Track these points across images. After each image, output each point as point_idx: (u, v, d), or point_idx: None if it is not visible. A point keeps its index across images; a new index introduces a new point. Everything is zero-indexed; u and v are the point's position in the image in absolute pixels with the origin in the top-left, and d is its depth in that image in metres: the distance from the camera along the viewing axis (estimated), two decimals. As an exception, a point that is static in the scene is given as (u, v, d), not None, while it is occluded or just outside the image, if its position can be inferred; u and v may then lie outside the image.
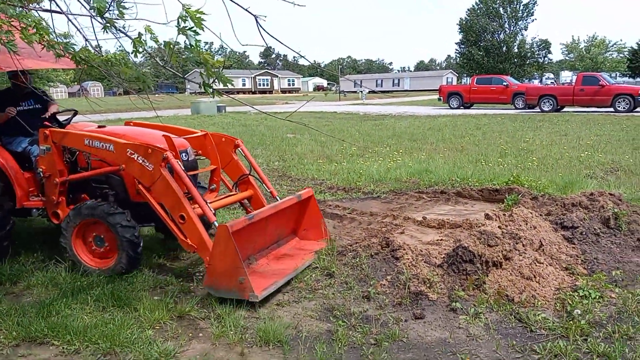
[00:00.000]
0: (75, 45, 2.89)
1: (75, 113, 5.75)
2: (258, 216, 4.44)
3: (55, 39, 3.08)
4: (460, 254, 4.20)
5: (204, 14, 2.47)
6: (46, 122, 5.41)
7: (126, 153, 4.39)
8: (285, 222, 5.11)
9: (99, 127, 5.21)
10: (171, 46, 2.57)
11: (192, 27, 2.49)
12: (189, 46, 2.50)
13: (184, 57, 2.86)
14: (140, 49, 2.60)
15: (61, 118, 5.79)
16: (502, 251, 4.22)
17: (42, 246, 5.35)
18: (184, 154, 4.78)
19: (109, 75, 2.94)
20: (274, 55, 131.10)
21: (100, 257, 4.70)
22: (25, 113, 5.41)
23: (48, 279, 4.49)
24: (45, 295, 4.23)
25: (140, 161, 4.32)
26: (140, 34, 2.64)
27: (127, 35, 2.61)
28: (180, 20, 2.47)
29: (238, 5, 2.56)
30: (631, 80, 61.09)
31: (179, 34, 2.47)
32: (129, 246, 4.46)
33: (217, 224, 4.13)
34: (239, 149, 5.41)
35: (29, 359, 3.29)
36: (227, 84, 2.80)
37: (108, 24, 2.69)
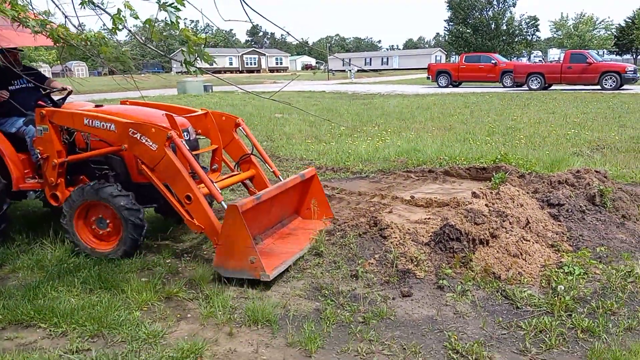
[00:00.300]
0: (53, 23, 2.79)
1: (70, 92, 5.59)
2: (265, 196, 4.40)
3: (33, 16, 2.99)
4: (447, 232, 4.22)
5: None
6: (40, 102, 5.27)
7: (128, 132, 4.28)
8: (289, 201, 5.07)
9: (96, 106, 5.06)
10: (152, 23, 2.49)
11: (173, 3, 2.43)
12: (170, 22, 2.43)
13: (165, 34, 2.79)
14: (120, 26, 2.53)
15: (55, 97, 5.68)
16: (488, 229, 4.25)
17: (28, 229, 5.29)
18: (185, 133, 4.71)
19: (89, 54, 2.86)
20: (261, 34, 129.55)
21: (102, 239, 4.64)
22: (18, 92, 5.24)
23: (34, 262, 4.45)
24: (32, 278, 4.20)
25: (144, 141, 4.23)
26: (119, 10, 2.56)
27: (105, 12, 2.54)
28: (159, -5, 2.40)
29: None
30: (618, 57, 61.38)
31: (159, 10, 2.40)
32: (133, 229, 4.40)
33: (225, 204, 4.12)
34: (239, 127, 5.32)
35: (15, 342, 3.27)
36: (210, 62, 2.73)
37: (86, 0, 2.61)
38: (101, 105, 5.07)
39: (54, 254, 4.59)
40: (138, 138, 4.26)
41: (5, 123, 5.19)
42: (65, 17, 2.70)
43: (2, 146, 4.90)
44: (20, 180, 4.94)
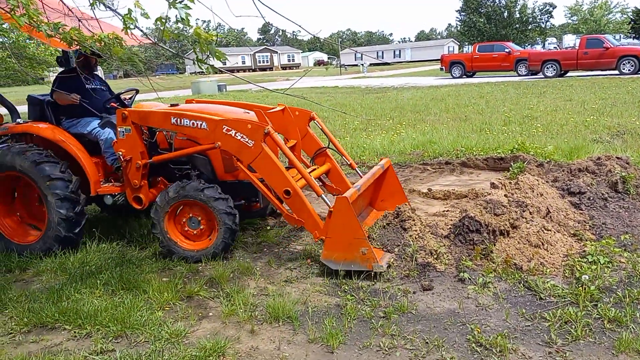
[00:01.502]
0: (66, 25, 2.81)
1: (137, 92, 5.54)
2: (363, 187, 4.40)
3: (47, 19, 3.01)
4: (466, 224, 4.17)
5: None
6: (112, 104, 5.26)
7: (222, 130, 4.24)
8: (368, 193, 5.01)
9: (172, 105, 4.92)
10: (162, 21, 2.49)
11: (183, 1, 2.42)
12: (180, 19, 2.43)
13: (176, 32, 2.78)
14: (132, 26, 2.53)
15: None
16: (508, 220, 4.19)
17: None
18: None
19: (103, 55, 2.87)
20: (272, 31, 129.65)
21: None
22: (89, 94, 5.14)
23: (57, 265, 4.51)
24: (55, 281, 4.26)
25: (239, 137, 4.19)
26: (130, 10, 2.56)
27: (115, 12, 2.54)
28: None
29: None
30: (636, 41, 60.18)
31: (169, 8, 2.40)
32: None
33: (325, 198, 4.18)
34: (313, 121, 5.29)
35: (40, 344, 3.32)
36: (222, 59, 2.73)
37: (97, 0, 2.62)
38: (176, 104, 4.95)
39: (76, 257, 4.64)
40: (233, 135, 4.21)
41: (77, 124, 5.10)
42: (79, 20, 2.72)
43: (78, 151, 4.83)
44: (97, 184, 4.89)
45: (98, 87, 5.32)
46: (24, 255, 4.76)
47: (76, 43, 2.76)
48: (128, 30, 2.47)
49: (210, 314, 3.62)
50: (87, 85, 5.08)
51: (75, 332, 3.42)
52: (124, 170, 4.70)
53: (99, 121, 5.07)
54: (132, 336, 3.32)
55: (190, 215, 4.53)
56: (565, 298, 3.44)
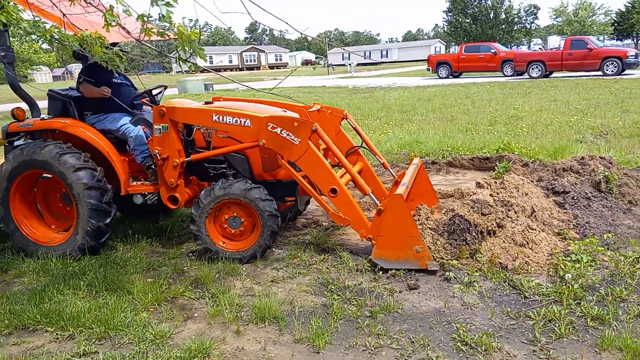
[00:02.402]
0: (46, 23, 2.76)
1: (165, 87, 5.39)
2: (409, 183, 4.37)
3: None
4: (457, 223, 4.17)
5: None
6: (143, 100, 5.14)
7: (267, 127, 4.17)
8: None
9: (206, 103, 4.76)
10: (144, 18, 2.46)
11: (165, -1, 2.39)
12: (162, 16, 2.39)
13: (159, 31, 2.74)
14: (113, 23, 2.49)
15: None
16: (495, 219, 4.22)
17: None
18: None
19: (83, 55, 2.82)
20: (259, 30, 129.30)
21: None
22: (117, 88, 4.98)
23: (39, 266, 4.44)
24: (37, 282, 4.19)
25: (285, 135, 4.13)
26: (111, 7, 2.52)
27: (97, 8, 2.50)
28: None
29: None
30: (619, 43, 61.00)
31: (151, 5, 2.37)
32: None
33: (373, 196, 4.17)
34: (344, 120, 5.23)
35: (22, 347, 3.27)
36: (204, 58, 2.69)
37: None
38: (211, 102, 4.79)
39: (59, 258, 4.57)
40: (278, 132, 4.15)
41: (104, 120, 4.91)
42: (64, 15, 2.66)
43: (107, 148, 4.66)
44: (127, 183, 4.73)
45: (123, 81, 5.15)
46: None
47: (56, 42, 2.72)
48: (109, 27, 2.43)
49: (196, 314, 3.59)
50: (113, 80, 4.95)
51: (57, 334, 3.36)
52: (159, 169, 4.56)
53: (128, 117, 4.91)
54: (115, 338, 3.28)
55: (233, 214, 4.41)
56: (549, 296, 3.46)
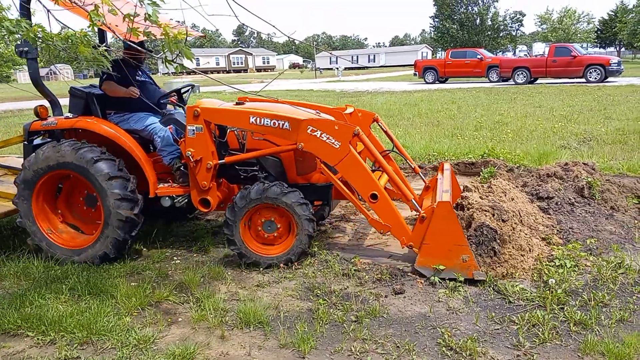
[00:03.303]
0: (28, 22, 2.72)
1: (193, 87, 5.25)
2: (451, 189, 4.30)
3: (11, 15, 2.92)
4: (485, 233, 3.95)
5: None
6: (172, 99, 5.04)
7: (306, 130, 4.07)
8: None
9: (237, 104, 4.59)
10: (130, 17, 2.43)
11: (152, -1, 2.37)
12: (148, 17, 2.37)
13: (145, 31, 2.71)
14: (98, 22, 2.46)
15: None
16: (512, 225, 4.14)
17: (14, 236, 5.20)
18: None
19: (68, 55, 2.79)
20: (247, 33, 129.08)
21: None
22: (142, 86, 4.82)
23: (20, 270, 4.37)
24: (18, 286, 4.12)
25: (325, 138, 4.04)
26: (96, 6, 2.49)
27: (81, 7, 2.47)
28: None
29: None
30: (602, 50, 61.96)
31: (138, 5, 2.35)
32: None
33: (415, 203, 4.10)
34: (374, 123, 5.10)
35: (2, 352, 3.20)
36: (191, 59, 2.67)
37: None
38: (242, 103, 4.62)
39: (40, 261, 4.50)
40: (318, 136, 4.06)
41: (129, 119, 4.76)
42: (48, 10, 2.62)
43: (136, 149, 4.49)
44: (155, 185, 4.56)
45: (147, 79, 5.01)
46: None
47: (40, 41, 2.68)
48: (94, 27, 2.40)
49: (180, 319, 3.55)
50: (137, 77, 4.83)
51: (38, 338, 3.31)
52: (191, 171, 4.44)
53: (154, 117, 4.78)
54: (98, 342, 3.23)
55: (269, 219, 4.30)
56: (533, 301, 3.49)
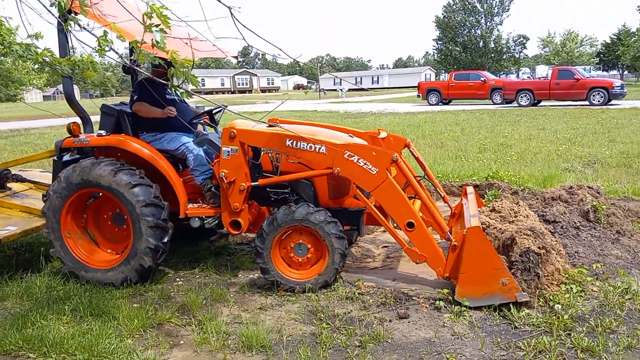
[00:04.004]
0: (37, 48, 2.77)
1: (225, 107, 5.17)
2: (478, 214, 4.27)
3: (21, 40, 2.97)
4: (532, 259, 3.84)
5: (167, 9, 2.37)
6: (206, 120, 5.03)
7: (343, 155, 4.06)
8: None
9: (269, 125, 4.53)
10: (137, 44, 2.47)
11: (159, 25, 2.41)
12: (156, 42, 2.40)
13: (152, 56, 2.75)
14: (107, 48, 2.50)
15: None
16: (547, 247, 4.03)
17: (17, 255, 5.19)
18: None
19: (76, 78, 2.83)
20: (252, 54, 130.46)
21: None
22: (172, 104, 4.76)
23: (23, 290, 4.35)
24: (20, 306, 4.10)
25: (362, 164, 4.02)
26: (105, 32, 2.53)
27: (91, 33, 2.52)
28: (145, 17, 2.38)
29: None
30: (605, 73, 62.30)
31: (145, 31, 2.38)
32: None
33: (450, 235, 4.03)
34: (406, 149, 5.02)
35: (2, 374, 3.18)
36: (196, 85, 2.70)
37: (71, 21, 2.60)
38: (274, 126, 4.53)
39: (43, 281, 4.48)
40: (355, 161, 4.04)
41: (161, 139, 4.75)
42: (69, 31, 2.65)
43: (168, 169, 4.49)
44: (185, 205, 4.52)
45: (177, 98, 4.98)
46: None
47: (48, 65, 2.72)
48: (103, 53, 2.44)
49: (182, 342, 3.52)
50: (167, 96, 4.82)
51: (39, 360, 3.28)
52: (223, 192, 4.40)
53: (187, 136, 4.77)
54: (99, 365, 3.20)
55: (298, 242, 4.25)
56: (539, 327, 3.45)
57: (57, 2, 2.27)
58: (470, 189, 5.14)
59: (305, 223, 4.12)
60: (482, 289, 3.71)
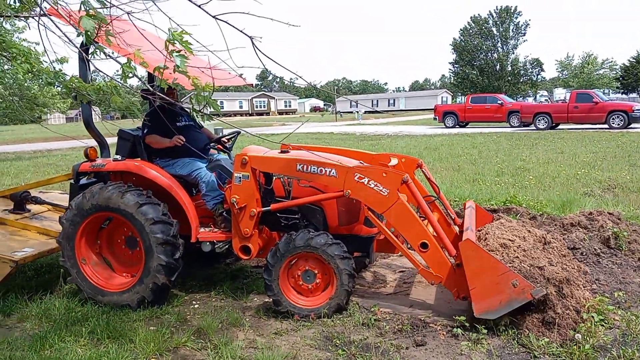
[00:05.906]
0: (66, 75, 2.87)
1: (239, 133, 5.27)
2: (474, 226, 4.32)
3: (49, 66, 3.08)
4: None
5: (189, 34, 2.44)
6: (219, 146, 5.14)
7: (354, 177, 4.08)
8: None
9: (282, 151, 4.60)
10: (160, 70, 2.54)
11: (181, 51, 2.48)
12: (177, 67, 2.47)
13: (173, 81, 2.83)
14: (130, 74, 2.58)
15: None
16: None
17: (37, 276, 5.26)
18: None
19: (102, 103, 2.92)
20: (270, 78, 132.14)
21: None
22: (185, 132, 4.88)
23: (42, 311, 4.40)
24: (39, 327, 4.14)
25: (372, 185, 4.03)
26: (129, 59, 2.61)
27: (116, 61, 2.60)
28: (167, 43, 2.45)
29: (233, 27, 2.53)
30: (624, 96, 61.71)
31: (166, 58, 2.45)
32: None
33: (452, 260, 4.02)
34: (418, 170, 5.06)
35: (20, 396, 3.20)
36: (217, 109, 2.76)
37: (97, 50, 2.69)
38: (287, 151, 4.61)
39: (62, 302, 4.53)
40: (365, 183, 4.05)
41: (173, 165, 4.84)
42: (88, 60, 2.75)
43: (181, 193, 4.55)
44: (197, 230, 4.55)
45: (188, 123, 5.06)
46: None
47: (75, 91, 2.81)
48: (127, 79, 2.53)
49: (197, 366, 3.52)
50: (177, 124, 4.93)
51: (56, 383, 3.30)
52: (234, 218, 4.42)
53: (199, 162, 4.84)
54: (115, 389, 3.21)
55: (307, 269, 4.24)
56: (559, 357, 3.38)
57: (84, 33, 2.36)
58: (469, 203, 5.09)
59: (308, 249, 4.12)
60: (496, 298, 3.65)
